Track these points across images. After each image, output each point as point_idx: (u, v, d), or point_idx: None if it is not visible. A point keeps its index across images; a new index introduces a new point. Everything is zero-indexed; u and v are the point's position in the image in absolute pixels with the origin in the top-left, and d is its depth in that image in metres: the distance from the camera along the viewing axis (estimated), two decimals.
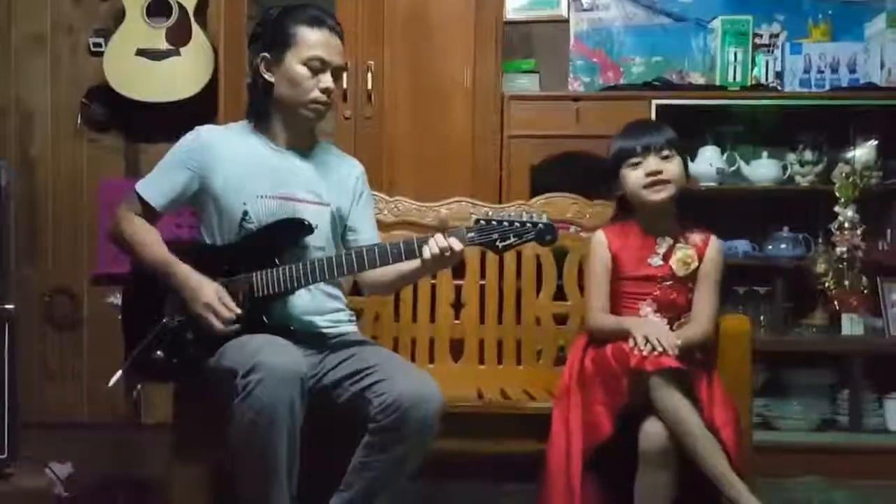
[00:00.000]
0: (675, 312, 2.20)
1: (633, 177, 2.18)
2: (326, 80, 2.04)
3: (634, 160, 2.18)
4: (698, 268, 2.20)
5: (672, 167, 2.18)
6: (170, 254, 2.02)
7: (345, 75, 2.89)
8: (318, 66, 2.03)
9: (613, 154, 2.22)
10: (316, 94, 2.04)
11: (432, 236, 1.92)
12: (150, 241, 2.05)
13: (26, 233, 3.38)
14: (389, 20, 2.97)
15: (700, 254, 2.21)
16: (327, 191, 2.13)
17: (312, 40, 2.03)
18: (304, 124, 2.11)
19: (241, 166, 2.07)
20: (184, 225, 2.87)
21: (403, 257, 1.95)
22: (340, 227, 2.17)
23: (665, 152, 2.18)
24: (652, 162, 2.17)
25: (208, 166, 2.06)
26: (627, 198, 2.23)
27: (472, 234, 1.93)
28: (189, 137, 2.11)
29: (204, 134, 2.12)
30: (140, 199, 2.07)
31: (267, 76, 2.07)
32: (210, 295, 1.95)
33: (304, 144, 2.14)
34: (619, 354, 2.01)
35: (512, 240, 1.92)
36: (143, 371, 2.05)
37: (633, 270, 2.21)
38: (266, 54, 2.06)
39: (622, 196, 2.24)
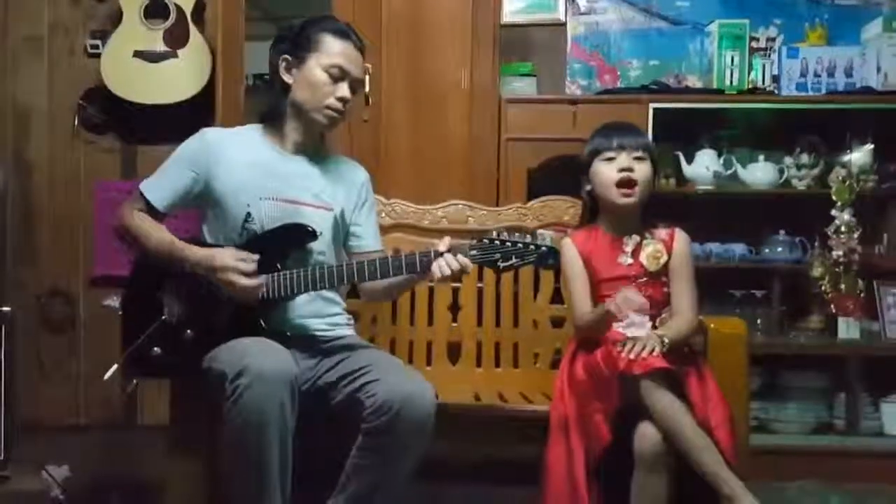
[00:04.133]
0: (655, 308, 2.21)
1: (605, 172, 2.20)
2: (344, 89, 2.06)
3: (608, 155, 2.21)
4: (668, 262, 2.22)
5: (643, 169, 2.21)
6: (176, 238, 2.04)
7: None
8: (337, 74, 2.05)
9: (589, 149, 2.25)
10: (332, 101, 2.06)
11: (440, 253, 1.92)
12: (156, 230, 2.06)
13: (22, 234, 3.37)
14: (387, 23, 2.97)
15: (668, 248, 2.23)
16: (331, 195, 2.14)
17: (336, 49, 2.06)
18: (316, 129, 2.12)
19: (246, 168, 2.08)
20: (180, 230, 2.87)
21: (404, 271, 1.96)
22: (343, 231, 2.18)
23: (638, 153, 2.21)
24: (624, 159, 2.19)
25: (212, 168, 2.07)
26: (595, 194, 2.25)
27: (475, 252, 1.93)
28: (194, 139, 2.13)
29: (209, 136, 2.13)
30: (144, 198, 2.09)
31: (286, 77, 2.08)
32: (225, 257, 1.96)
33: (311, 150, 2.15)
34: (607, 359, 2.01)
35: (513, 261, 1.93)
36: (140, 367, 2.06)
37: (605, 272, 2.22)
38: (288, 56, 2.08)
39: (590, 192, 2.26)
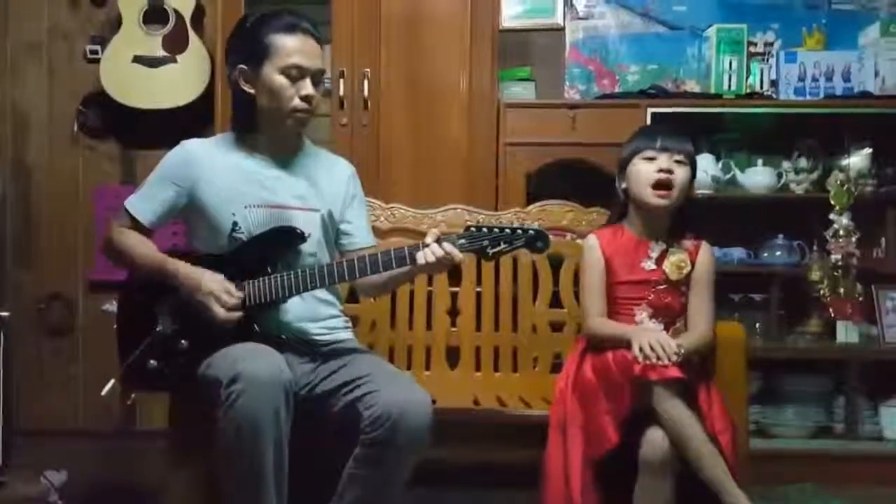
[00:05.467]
0: (670, 317, 2.21)
1: (644, 170, 2.19)
2: (306, 87, 2.02)
3: (650, 154, 2.20)
4: (691, 272, 2.21)
5: (682, 173, 2.20)
6: (163, 255, 2.03)
7: (341, 82, 2.96)
8: (296, 75, 2.01)
9: (631, 147, 2.24)
10: (297, 102, 2.02)
11: (426, 244, 1.92)
12: (143, 247, 2.05)
13: (21, 239, 3.37)
14: (385, 28, 2.97)
15: (692, 259, 2.22)
16: (317, 196, 2.12)
17: (289, 48, 2.00)
18: (289, 133, 2.10)
19: (228, 177, 2.06)
20: (180, 233, 2.87)
21: (394, 265, 1.95)
22: (333, 230, 2.16)
23: (680, 157, 2.20)
24: (665, 160, 2.18)
25: (195, 181, 2.06)
26: (629, 193, 2.24)
27: (463, 241, 1.93)
28: (174, 153, 2.11)
29: (189, 148, 2.11)
30: (129, 215, 2.08)
31: (247, 88, 2.05)
32: (211, 284, 1.95)
33: (290, 151, 2.13)
34: (621, 363, 2.01)
35: (502, 246, 1.92)
36: (138, 380, 2.05)
37: (626, 275, 2.22)
38: (243, 66, 2.04)
39: (625, 190, 2.25)
